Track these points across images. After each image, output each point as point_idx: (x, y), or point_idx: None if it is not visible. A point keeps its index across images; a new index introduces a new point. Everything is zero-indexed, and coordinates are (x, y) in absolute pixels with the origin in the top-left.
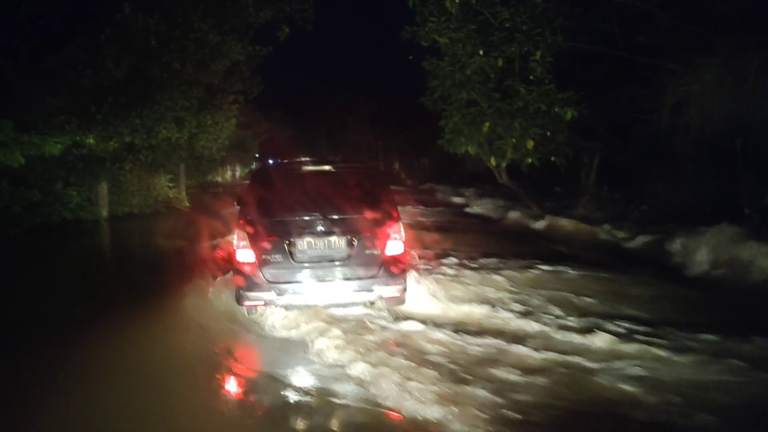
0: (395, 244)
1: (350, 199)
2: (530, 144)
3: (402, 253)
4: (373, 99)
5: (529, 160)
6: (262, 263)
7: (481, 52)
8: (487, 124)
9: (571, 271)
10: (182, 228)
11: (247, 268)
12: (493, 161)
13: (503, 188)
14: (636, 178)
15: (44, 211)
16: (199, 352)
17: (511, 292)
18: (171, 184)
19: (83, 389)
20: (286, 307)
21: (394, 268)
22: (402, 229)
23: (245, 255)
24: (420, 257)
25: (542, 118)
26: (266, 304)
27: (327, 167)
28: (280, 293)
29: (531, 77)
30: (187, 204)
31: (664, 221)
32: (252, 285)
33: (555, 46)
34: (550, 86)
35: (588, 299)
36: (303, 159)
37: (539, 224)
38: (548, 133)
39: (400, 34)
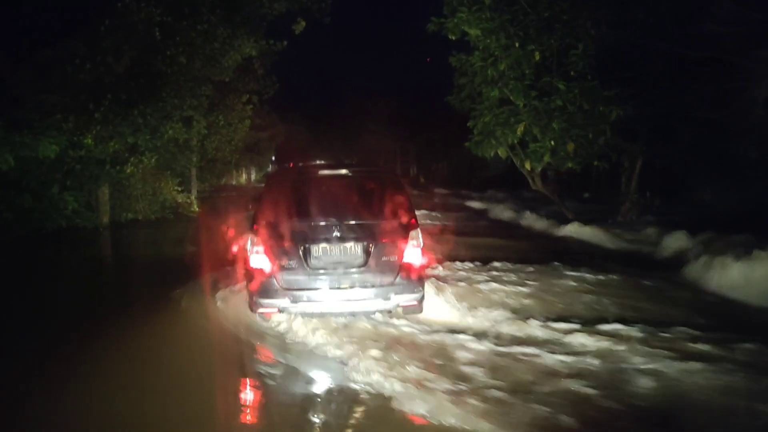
0: (413, 251)
1: (367, 205)
2: (571, 147)
3: (420, 261)
4: (392, 100)
5: (570, 165)
6: (276, 269)
7: (516, 45)
8: (521, 124)
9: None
10: (188, 236)
11: (260, 274)
12: (527, 165)
13: (529, 193)
14: (680, 183)
15: (37, 217)
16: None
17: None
18: (180, 188)
19: None
20: (301, 315)
21: (411, 276)
22: (420, 235)
23: (259, 260)
24: (446, 266)
25: (584, 118)
26: (280, 311)
27: (344, 171)
28: (295, 300)
29: (572, 72)
30: (197, 209)
31: (713, 230)
32: (266, 291)
33: (598, 39)
34: (593, 82)
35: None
36: (319, 162)
37: (574, 232)
38: (590, 135)
39: (426, 26)
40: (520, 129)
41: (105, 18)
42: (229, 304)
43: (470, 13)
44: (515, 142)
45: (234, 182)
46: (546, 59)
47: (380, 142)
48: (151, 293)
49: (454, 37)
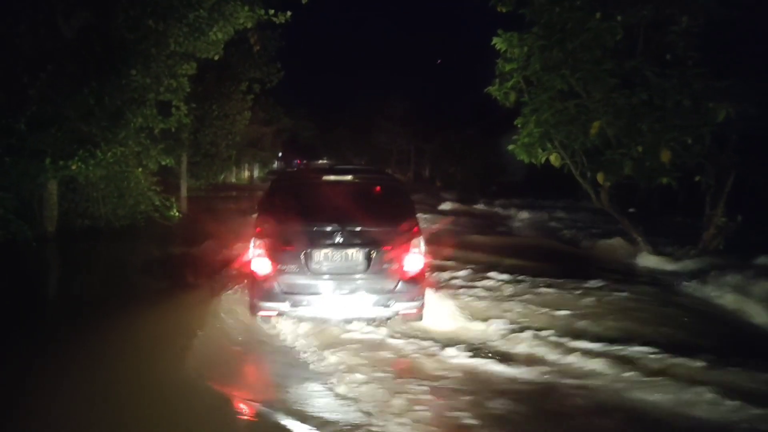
0: (415, 258)
1: (370, 211)
2: (666, 156)
3: (421, 269)
4: (408, 97)
5: (664, 180)
6: (277, 273)
7: (598, 15)
8: (595, 124)
9: None
10: (155, 256)
11: (261, 278)
12: (600, 178)
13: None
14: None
15: None
16: None
17: None
18: (158, 187)
19: None
20: (300, 319)
21: (412, 284)
22: (422, 243)
23: (260, 264)
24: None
25: (683, 117)
26: (279, 314)
27: (348, 177)
28: (295, 304)
29: (668, 56)
30: (178, 213)
31: None
32: (266, 294)
33: (705, 12)
34: (698, 70)
35: None
36: (324, 163)
37: (645, 260)
38: (689, 140)
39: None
40: (595, 129)
41: None
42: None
43: None
44: (579, 146)
45: (234, 180)
46: (627, 38)
47: (393, 141)
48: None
49: (505, 10)
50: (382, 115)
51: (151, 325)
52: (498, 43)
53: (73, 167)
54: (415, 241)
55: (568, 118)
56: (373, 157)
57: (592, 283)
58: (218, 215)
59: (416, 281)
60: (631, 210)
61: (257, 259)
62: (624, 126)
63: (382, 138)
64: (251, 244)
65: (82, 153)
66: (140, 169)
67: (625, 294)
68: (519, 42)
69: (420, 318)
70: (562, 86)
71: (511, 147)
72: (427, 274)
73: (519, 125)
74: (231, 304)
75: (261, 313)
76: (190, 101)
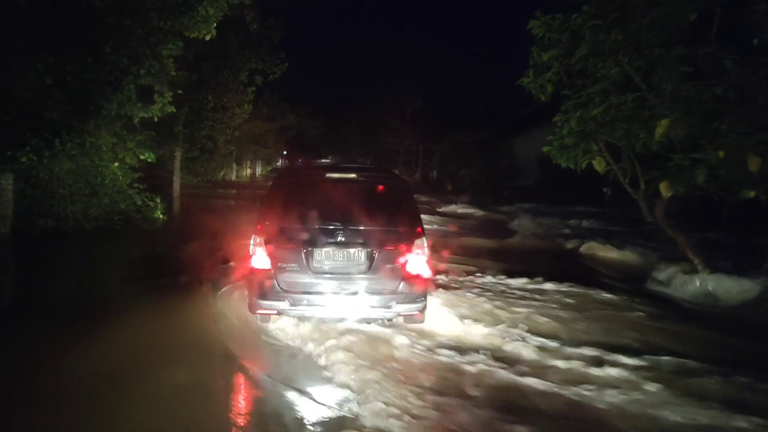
0: (417, 259)
1: (373, 210)
2: (755, 163)
3: (424, 270)
4: (418, 95)
5: (751, 193)
6: (277, 271)
7: None
8: (663, 122)
9: None
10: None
11: (261, 275)
12: (663, 188)
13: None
14: None
15: None
16: None
17: None
18: (141, 185)
19: None
20: (299, 318)
21: (414, 285)
22: (426, 244)
23: (260, 261)
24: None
25: None
26: (279, 313)
27: (352, 174)
28: (294, 303)
29: (755, 41)
30: (162, 215)
31: None
32: (265, 293)
33: None
34: None
35: None
36: (328, 162)
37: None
38: None
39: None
40: (662, 128)
41: None
42: None
43: None
44: (639, 149)
45: (234, 177)
46: (700, 19)
47: (401, 141)
48: None
49: None
50: (391, 113)
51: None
52: (535, 27)
53: (23, 159)
54: (418, 242)
55: (625, 115)
56: (380, 157)
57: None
58: (212, 216)
59: (419, 282)
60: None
61: (257, 256)
62: (698, 125)
63: (389, 137)
64: (252, 241)
65: (35, 142)
66: (116, 164)
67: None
68: (562, 25)
69: (422, 320)
70: (616, 77)
71: (546, 149)
72: (429, 276)
73: (558, 123)
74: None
75: (260, 311)
76: (179, 88)
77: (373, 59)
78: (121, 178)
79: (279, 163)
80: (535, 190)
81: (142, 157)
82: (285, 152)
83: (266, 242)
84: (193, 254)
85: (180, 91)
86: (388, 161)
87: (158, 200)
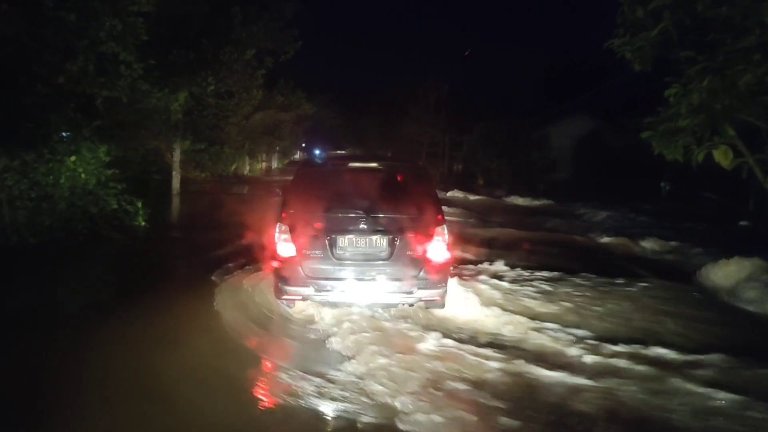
0: (438, 246)
1: (395, 198)
2: None
3: (445, 256)
4: (444, 82)
5: None
6: (302, 258)
7: None
8: None
9: None
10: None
11: (286, 262)
12: None
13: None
14: None
15: None
16: None
17: None
18: (117, 185)
19: None
20: (323, 304)
21: (435, 271)
22: (446, 231)
23: (286, 248)
24: None
25: None
26: (304, 299)
27: (373, 164)
28: (319, 289)
29: None
30: (144, 223)
31: None
32: (291, 279)
33: None
34: None
35: None
36: (347, 153)
37: None
38: None
39: None
40: None
41: None
42: None
43: None
44: None
45: (247, 171)
46: None
47: (424, 132)
48: None
49: None
50: (414, 102)
51: None
52: None
53: None
54: (439, 229)
55: None
56: (402, 149)
57: None
58: (216, 219)
59: (439, 268)
60: (743, 223)
61: (282, 243)
62: None
63: (412, 128)
64: (276, 229)
65: None
66: (73, 158)
67: None
68: None
69: (443, 305)
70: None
71: (645, 134)
72: (450, 262)
73: (671, 99)
74: None
75: (285, 297)
76: (175, 70)
77: (396, 43)
78: (83, 176)
79: (297, 156)
80: (571, 184)
81: (96, 153)
82: (304, 144)
83: (291, 230)
84: (173, 294)
85: (154, 61)
86: (411, 154)
87: (139, 204)
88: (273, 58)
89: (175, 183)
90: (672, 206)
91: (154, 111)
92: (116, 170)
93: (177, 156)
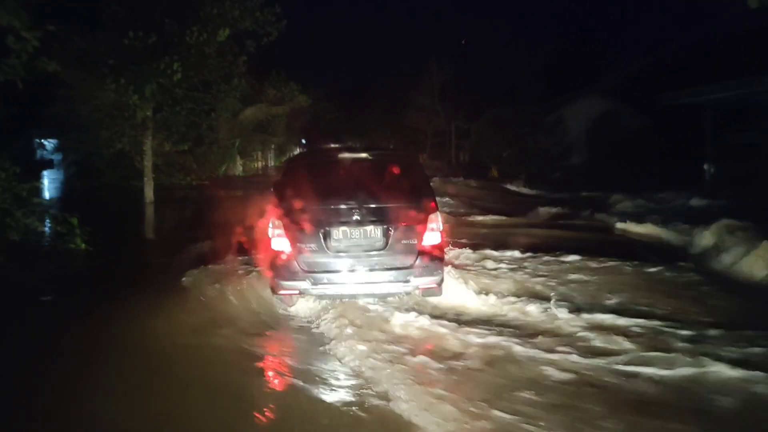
0: (432, 234)
1: (387, 188)
2: None
3: (439, 244)
4: (449, 65)
5: None
6: (297, 252)
7: None
8: None
9: None
10: None
11: (281, 257)
12: None
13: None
14: None
15: None
16: None
17: None
18: (42, 199)
19: None
20: (320, 297)
21: (431, 259)
22: (440, 218)
23: (280, 243)
24: None
25: None
26: (301, 293)
27: (364, 154)
28: (315, 282)
29: None
30: (84, 245)
31: None
32: (287, 274)
33: None
34: None
35: None
36: (339, 146)
37: None
38: None
39: None
40: None
41: None
42: None
43: None
44: None
45: (240, 172)
46: None
47: (429, 121)
48: None
49: None
50: (417, 89)
51: None
52: None
53: None
54: (432, 217)
55: None
56: (405, 140)
57: None
58: (189, 236)
59: (435, 256)
60: None
61: (276, 238)
62: None
63: (415, 117)
64: (269, 225)
65: None
66: None
67: None
68: None
69: (440, 293)
70: None
71: None
72: (445, 250)
73: None
74: None
75: (282, 292)
76: (132, 56)
77: (398, 29)
78: None
79: (296, 153)
80: (589, 171)
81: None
82: (303, 140)
83: (284, 224)
84: None
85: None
86: (414, 145)
87: (75, 222)
88: (255, 41)
89: (148, 191)
90: (721, 192)
91: (113, 108)
92: (35, 182)
93: (148, 160)
